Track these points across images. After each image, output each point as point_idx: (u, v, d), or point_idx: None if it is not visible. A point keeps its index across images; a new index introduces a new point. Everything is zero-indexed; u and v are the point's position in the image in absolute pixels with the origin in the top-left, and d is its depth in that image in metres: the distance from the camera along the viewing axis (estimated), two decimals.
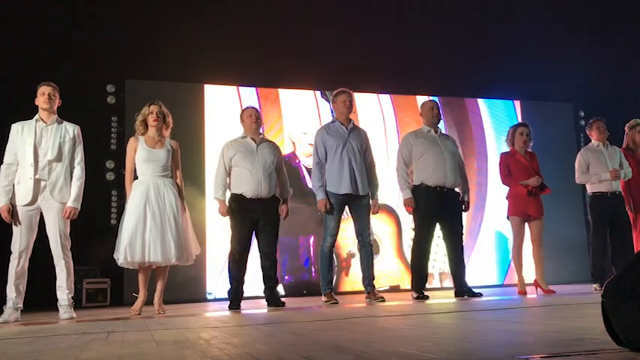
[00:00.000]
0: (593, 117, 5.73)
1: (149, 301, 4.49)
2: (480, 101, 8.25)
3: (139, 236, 4.22)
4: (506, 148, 5.51)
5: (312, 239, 7.10)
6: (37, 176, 4.08)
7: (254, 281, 5.14)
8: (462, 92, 8.06)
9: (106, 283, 6.20)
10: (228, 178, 4.81)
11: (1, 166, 4.16)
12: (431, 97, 6.43)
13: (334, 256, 5.09)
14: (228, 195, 4.81)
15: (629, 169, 5.38)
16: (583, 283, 6.02)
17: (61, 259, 4.10)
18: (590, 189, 5.49)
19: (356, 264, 5.07)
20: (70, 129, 4.27)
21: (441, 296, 5.34)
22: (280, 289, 5.50)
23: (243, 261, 4.70)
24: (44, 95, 4.19)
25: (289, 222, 5.17)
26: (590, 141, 5.66)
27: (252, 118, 4.87)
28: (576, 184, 5.77)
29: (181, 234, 4.36)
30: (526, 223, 5.28)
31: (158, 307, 4.42)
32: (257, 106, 6.42)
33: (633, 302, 1.35)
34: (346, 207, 4.95)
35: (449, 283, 6.20)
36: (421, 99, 7.08)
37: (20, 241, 4.03)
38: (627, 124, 5.52)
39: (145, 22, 6.65)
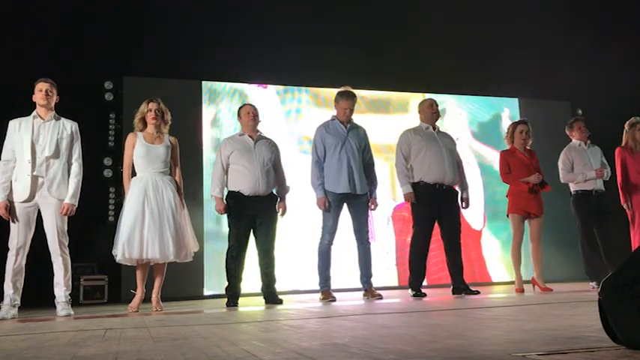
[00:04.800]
0: (573, 117, 5.78)
1: (147, 298, 4.49)
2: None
3: (137, 233, 4.22)
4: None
5: None
6: (34, 173, 4.07)
7: (252, 278, 5.14)
8: (461, 90, 8.06)
9: (103, 280, 6.19)
10: (225, 176, 4.81)
11: None
12: (428, 95, 6.43)
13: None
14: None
15: (609, 168, 5.41)
16: (580, 281, 6.03)
17: (58, 255, 4.09)
18: (573, 187, 5.49)
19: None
20: (68, 125, 4.26)
21: (439, 294, 5.35)
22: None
23: (240, 258, 4.70)
24: (42, 92, 4.18)
25: None
26: (571, 140, 5.67)
27: (250, 116, 4.87)
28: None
29: (179, 231, 4.36)
30: (525, 221, 5.29)
31: (156, 304, 4.42)
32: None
33: (630, 300, 1.35)
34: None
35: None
36: (417, 96, 7.11)
37: (18, 237, 4.03)
38: (627, 122, 5.52)
39: (142, 18, 6.64)
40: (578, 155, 5.48)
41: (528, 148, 5.40)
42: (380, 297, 4.75)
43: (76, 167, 4.23)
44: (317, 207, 4.91)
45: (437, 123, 5.27)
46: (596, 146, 5.61)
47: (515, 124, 5.49)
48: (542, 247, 5.29)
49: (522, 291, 5.13)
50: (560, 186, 5.64)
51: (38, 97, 4.19)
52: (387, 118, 7.72)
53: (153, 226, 4.24)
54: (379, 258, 6.93)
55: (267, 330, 2.43)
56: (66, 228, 4.17)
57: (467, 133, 8.09)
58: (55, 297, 4.13)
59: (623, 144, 5.51)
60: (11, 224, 4.07)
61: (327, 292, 4.79)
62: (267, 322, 2.95)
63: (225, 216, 4.84)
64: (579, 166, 5.42)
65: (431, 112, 5.19)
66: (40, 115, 4.19)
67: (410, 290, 5.02)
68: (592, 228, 5.34)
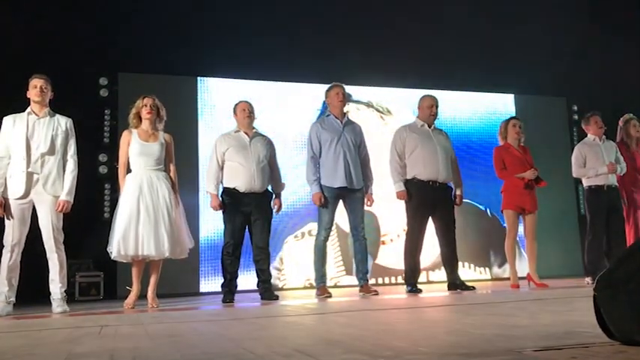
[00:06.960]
0: (591, 111, 5.72)
1: (143, 295, 4.48)
2: None
3: (132, 230, 4.21)
4: None
5: None
6: (29, 169, 4.06)
7: (248, 275, 5.15)
8: (457, 86, 8.06)
9: (99, 276, 6.17)
10: (220, 172, 4.80)
11: None
12: (425, 91, 6.41)
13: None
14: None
15: (624, 164, 5.41)
16: (575, 277, 6.05)
17: (53, 252, 4.08)
18: (586, 182, 5.50)
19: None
20: (63, 122, 4.24)
21: (434, 290, 5.36)
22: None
23: (236, 255, 4.70)
24: (36, 88, 4.16)
25: None
26: (586, 135, 5.66)
27: (246, 112, 4.86)
28: (569, 178, 5.81)
29: (175, 228, 4.35)
30: (520, 217, 5.30)
31: (151, 300, 4.41)
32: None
33: (624, 296, 1.36)
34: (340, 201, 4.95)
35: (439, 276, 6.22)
36: (416, 92, 7.10)
37: (13, 234, 4.01)
38: (621, 119, 5.54)
39: (138, 14, 6.60)
40: (591, 150, 5.47)
41: (522, 144, 5.41)
42: (376, 293, 4.76)
43: (72, 164, 4.21)
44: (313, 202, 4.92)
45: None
46: (611, 141, 5.58)
47: (507, 120, 5.50)
48: (536, 243, 5.30)
49: (518, 287, 5.15)
50: (559, 182, 5.65)
51: (33, 93, 4.16)
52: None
53: (148, 222, 4.23)
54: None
55: (262, 327, 2.43)
56: (61, 225, 4.15)
57: None
58: (50, 294, 4.12)
59: (617, 140, 5.53)
60: (6, 221, 4.05)
61: (323, 289, 4.80)
62: (262, 318, 2.96)
63: (220, 212, 4.83)
64: (592, 161, 5.42)
65: (429, 113, 5.18)
66: (34, 112, 4.17)
67: (405, 286, 5.03)
68: (602, 224, 5.33)
